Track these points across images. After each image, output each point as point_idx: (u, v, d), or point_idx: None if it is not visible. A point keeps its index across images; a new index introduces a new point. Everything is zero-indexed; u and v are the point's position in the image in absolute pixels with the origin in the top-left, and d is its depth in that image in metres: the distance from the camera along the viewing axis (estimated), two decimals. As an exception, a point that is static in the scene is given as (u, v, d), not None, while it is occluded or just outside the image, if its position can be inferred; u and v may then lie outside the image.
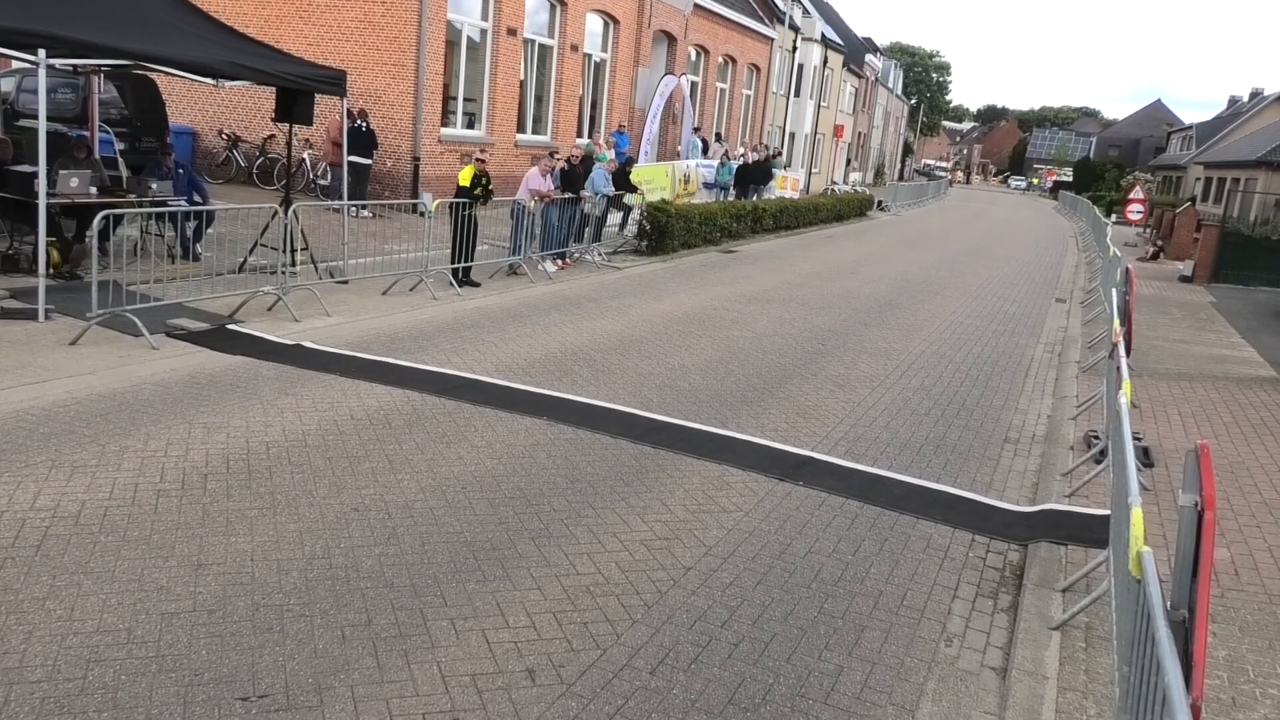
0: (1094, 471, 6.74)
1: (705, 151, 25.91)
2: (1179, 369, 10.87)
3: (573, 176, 14.51)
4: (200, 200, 11.28)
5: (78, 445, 5.72)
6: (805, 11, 42.66)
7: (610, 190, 15.58)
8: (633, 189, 17.03)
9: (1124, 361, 6.76)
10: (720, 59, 32.35)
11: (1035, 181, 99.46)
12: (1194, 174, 48.65)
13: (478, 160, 12.40)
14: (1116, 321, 8.32)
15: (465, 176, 12.01)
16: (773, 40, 36.34)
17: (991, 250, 26.02)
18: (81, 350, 7.63)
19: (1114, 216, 35.41)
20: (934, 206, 46.77)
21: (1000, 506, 6.32)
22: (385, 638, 4.02)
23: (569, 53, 22.76)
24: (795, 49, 38.72)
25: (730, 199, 22.64)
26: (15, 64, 12.12)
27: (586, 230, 15.22)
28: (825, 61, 44.38)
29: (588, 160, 15.59)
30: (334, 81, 10.89)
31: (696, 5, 28.43)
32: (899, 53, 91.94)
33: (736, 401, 8.13)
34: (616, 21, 24.87)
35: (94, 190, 10.11)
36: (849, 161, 54.19)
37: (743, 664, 4.11)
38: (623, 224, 17.97)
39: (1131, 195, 33.81)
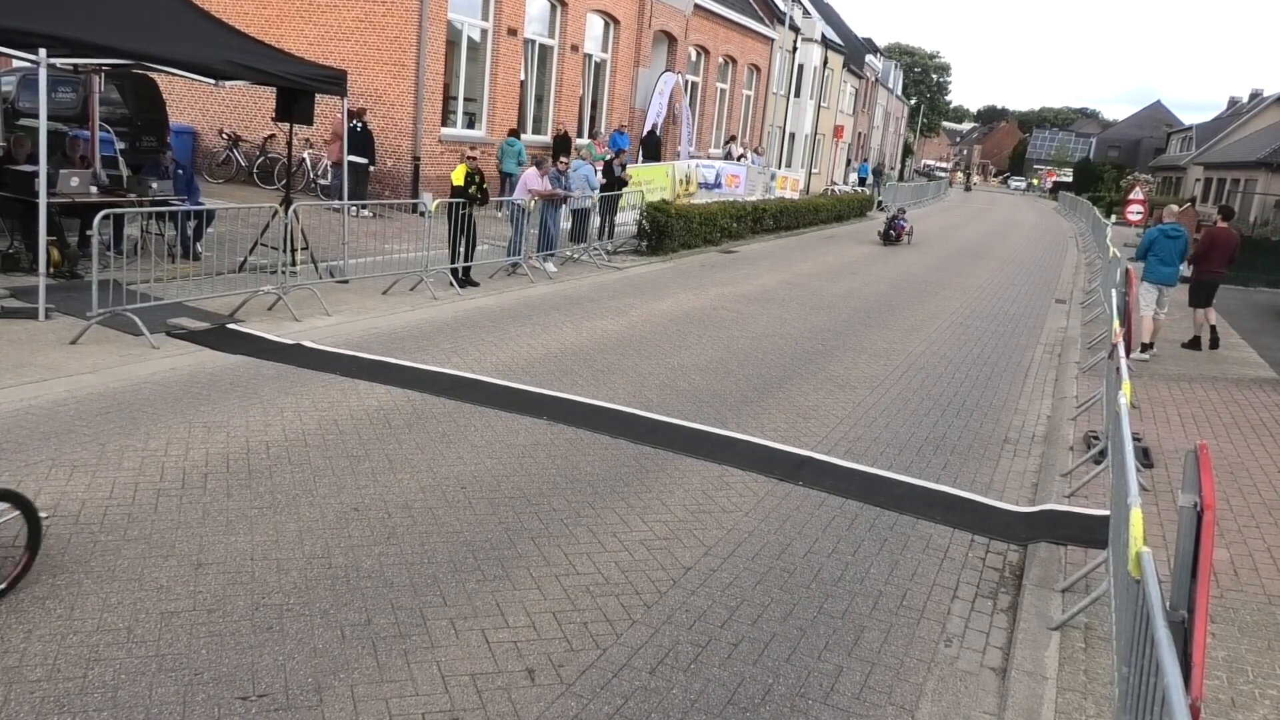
0: (1094, 472, 6.74)
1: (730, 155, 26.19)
2: (1178, 370, 10.88)
3: None
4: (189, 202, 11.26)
5: (78, 445, 5.72)
6: (805, 12, 42.65)
7: (599, 183, 15.52)
8: (620, 185, 16.86)
9: (1124, 362, 6.76)
10: (720, 59, 32.34)
11: (1035, 182, 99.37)
12: (1194, 175, 48.66)
13: (469, 158, 12.38)
14: (1116, 322, 8.33)
15: (458, 175, 12.00)
16: (773, 41, 36.34)
17: (991, 251, 26.02)
18: (82, 349, 7.63)
19: (1114, 217, 35.40)
20: (934, 207, 46.75)
21: (1000, 507, 6.32)
22: (385, 637, 4.02)
23: (569, 53, 22.76)
24: (795, 49, 38.73)
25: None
26: (15, 63, 12.12)
27: (582, 229, 15.22)
28: (825, 62, 44.38)
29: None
30: (334, 81, 10.88)
31: (697, 6, 28.42)
32: (899, 53, 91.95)
33: (736, 401, 8.13)
34: (617, 22, 24.87)
35: (94, 190, 10.10)
36: (849, 162, 54.19)
37: (742, 664, 4.11)
38: (603, 226, 16.23)
39: (1131, 196, 33.80)
